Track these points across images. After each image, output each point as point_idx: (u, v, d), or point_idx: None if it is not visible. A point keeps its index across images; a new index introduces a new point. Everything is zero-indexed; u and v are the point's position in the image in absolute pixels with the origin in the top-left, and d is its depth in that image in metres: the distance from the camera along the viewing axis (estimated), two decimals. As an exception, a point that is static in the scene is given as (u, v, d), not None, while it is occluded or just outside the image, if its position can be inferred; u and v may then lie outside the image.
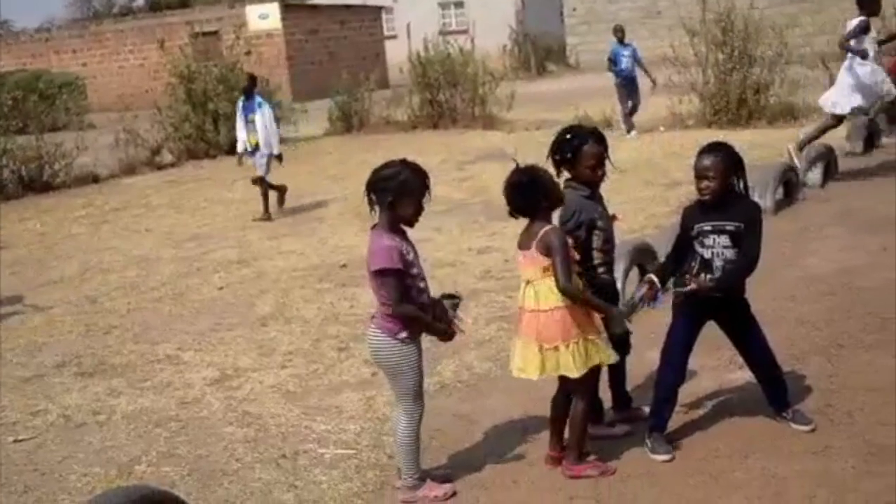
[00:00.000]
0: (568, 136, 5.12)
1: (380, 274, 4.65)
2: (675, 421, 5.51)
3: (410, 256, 4.75)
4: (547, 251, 4.72)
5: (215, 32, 29.03)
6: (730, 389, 5.93)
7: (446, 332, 4.90)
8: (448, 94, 20.55)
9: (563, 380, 4.94)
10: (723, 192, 5.09)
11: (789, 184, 10.77)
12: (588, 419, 5.06)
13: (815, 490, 4.65)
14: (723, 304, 5.15)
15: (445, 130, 19.91)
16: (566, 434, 5.07)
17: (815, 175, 11.54)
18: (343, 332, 7.63)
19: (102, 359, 7.50)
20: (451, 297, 5.00)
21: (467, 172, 14.49)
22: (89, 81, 34.55)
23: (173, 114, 19.05)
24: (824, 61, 16.83)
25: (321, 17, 35.91)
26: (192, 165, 18.27)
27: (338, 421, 5.95)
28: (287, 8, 34.44)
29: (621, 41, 17.53)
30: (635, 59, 17.35)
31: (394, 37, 39.98)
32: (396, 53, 31.29)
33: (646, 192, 11.85)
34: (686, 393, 5.87)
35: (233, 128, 18.67)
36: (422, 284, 4.79)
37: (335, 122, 21.30)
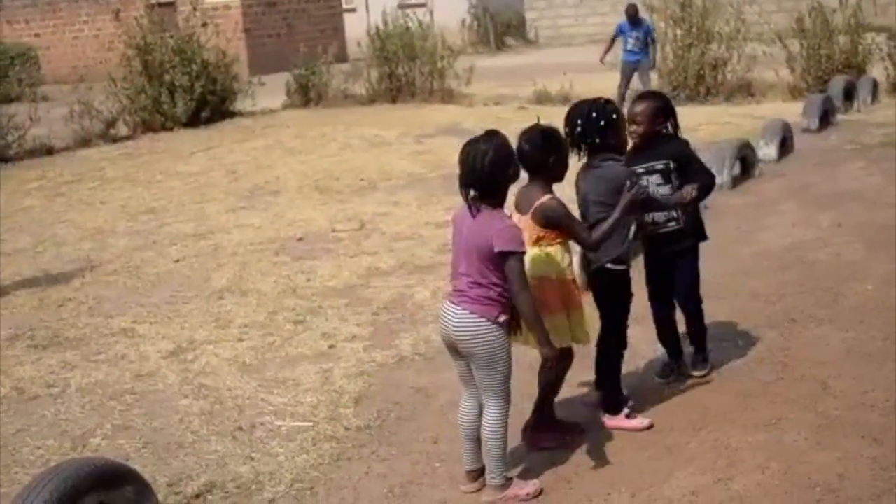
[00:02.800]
0: (594, 113, 5.00)
1: (505, 256, 4.27)
2: (630, 394, 5.57)
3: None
4: (547, 222, 4.69)
5: (171, 3, 28.64)
6: (683, 364, 5.98)
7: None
8: (407, 69, 20.45)
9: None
10: (650, 135, 5.44)
11: (745, 160, 10.86)
12: (557, 390, 5.11)
13: (767, 461, 4.71)
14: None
15: (404, 104, 19.84)
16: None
17: (770, 150, 11.64)
18: (300, 304, 7.61)
19: (56, 332, 7.42)
20: None
21: (426, 146, 14.46)
22: (43, 52, 33.97)
23: (129, 85, 18.76)
24: (781, 38, 16.99)
25: (279, -11, 35.55)
26: (148, 138, 18.06)
27: (294, 393, 5.94)
28: (244, -21, 34.04)
29: (631, 20, 16.44)
30: (646, 41, 16.35)
31: (352, 10, 39.65)
32: (355, 27, 31.02)
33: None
34: (640, 368, 5.95)
35: (190, 100, 18.63)
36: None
37: (293, 95, 21.12)
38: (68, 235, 10.60)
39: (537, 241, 4.75)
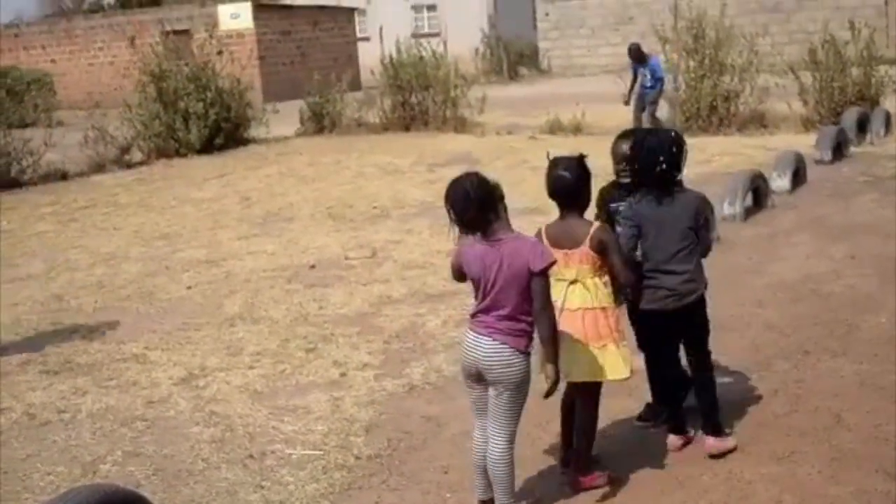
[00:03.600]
0: (674, 148, 5.02)
1: (543, 273, 4.36)
2: (642, 426, 5.55)
3: None
4: (602, 249, 4.70)
5: (186, 31, 28.93)
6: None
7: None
8: (420, 97, 20.56)
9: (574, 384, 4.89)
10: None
11: (758, 191, 10.85)
12: (595, 427, 4.98)
13: (780, 495, 4.68)
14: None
15: (417, 133, 19.91)
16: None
17: (783, 182, 11.63)
18: (311, 332, 7.60)
19: (68, 357, 7.42)
20: None
21: (438, 175, 14.46)
22: (58, 78, 34.27)
23: (143, 112, 18.91)
24: (794, 70, 17.01)
25: (294, 17, 35.78)
26: (161, 164, 18.16)
27: (305, 421, 5.92)
28: (259, 8, 34.29)
29: (638, 61, 16.91)
30: (653, 76, 16.84)
31: (366, 39, 39.94)
32: (369, 55, 31.23)
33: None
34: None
35: (204, 126, 18.73)
36: None
37: (306, 122, 21.24)
38: (81, 261, 10.64)
39: (597, 270, 4.74)
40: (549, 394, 4.49)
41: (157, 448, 5.70)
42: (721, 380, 5.86)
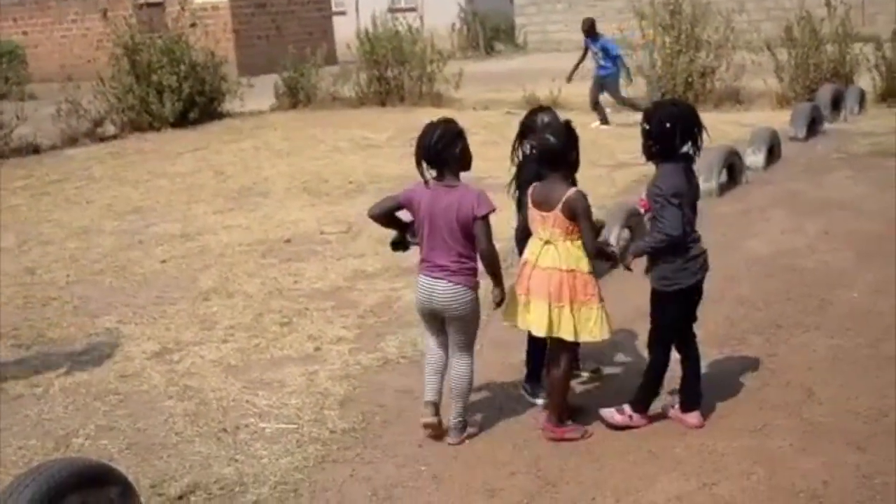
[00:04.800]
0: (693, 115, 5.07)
1: (486, 218, 4.87)
2: (614, 399, 5.56)
3: None
4: (573, 215, 4.83)
5: (160, 3, 28.59)
6: (673, 367, 5.97)
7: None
8: (396, 72, 20.42)
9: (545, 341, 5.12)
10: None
11: (733, 167, 10.88)
12: (569, 382, 5.23)
13: (752, 467, 4.72)
14: None
15: (393, 108, 19.82)
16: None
17: (758, 158, 11.67)
18: (286, 306, 7.58)
19: (41, 331, 7.37)
20: None
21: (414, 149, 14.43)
22: (30, 51, 33.83)
23: (117, 85, 18.69)
24: (770, 47, 17.03)
25: (269, -10, 35.48)
26: (135, 138, 18.00)
27: (279, 395, 5.91)
28: (234, -19, 33.96)
29: (587, 34, 16.35)
30: (605, 51, 16.20)
31: (342, 13, 39.63)
32: (344, 30, 30.98)
33: (591, 172, 11.87)
34: (627, 370, 5.95)
35: (178, 100, 18.57)
36: None
37: (281, 97, 21.08)
38: (54, 234, 10.55)
39: (569, 234, 4.86)
40: (498, 306, 5.13)
41: (130, 422, 5.68)
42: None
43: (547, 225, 4.91)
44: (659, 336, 5.22)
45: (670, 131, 4.98)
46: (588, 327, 4.92)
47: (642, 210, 5.32)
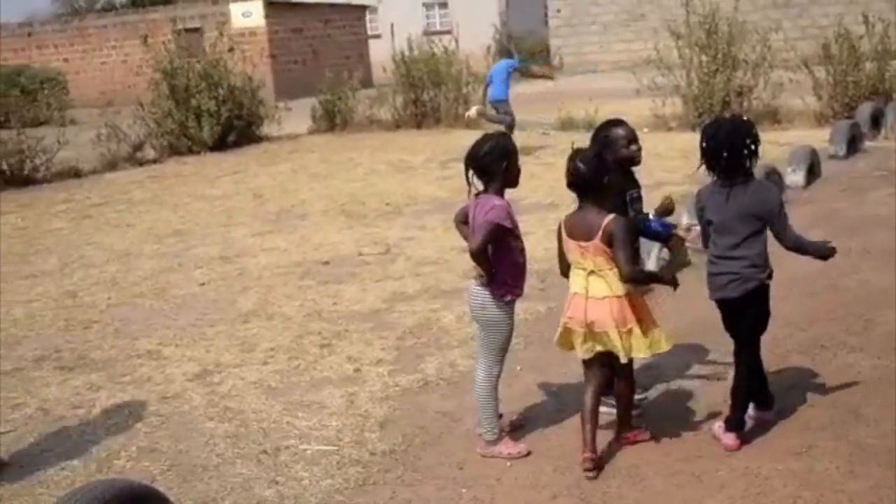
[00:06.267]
0: (744, 137, 5.04)
1: (489, 225, 4.96)
2: (658, 420, 5.52)
3: (516, 220, 5.13)
4: (611, 242, 4.79)
5: (198, 29, 28.97)
6: (715, 389, 5.92)
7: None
8: (432, 94, 20.54)
9: (596, 372, 5.04)
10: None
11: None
12: (632, 394, 5.29)
13: (799, 490, 4.64)
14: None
15: (429, 130, 19.89)
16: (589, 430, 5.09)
17: (797, 177, 11.57)
18: (325, 328, 7.59)
19: (82, 353, 7.43)
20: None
21: (451, 171, 14.43)
22: (71, 77, 34.36)
23: (156, 110, 18.95)
24: (808, 65, 16.93)
25: (305, 15, 35.78)
26: (174, 161, 18.19)
27: (319, 417, 5.91)
28: (270, 6, 34.28)
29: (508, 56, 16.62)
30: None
31: (378, 36, 39.91)
32: (380, 53, 31.22)
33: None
34: (670, 392, 5.90)
35: (216, 124, 18.73)
36: (522, 245, 5.17)
37: (319, 120, 21.24)
38: (95, 257, 10.65)
39: (612, 262, 4.83)
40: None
41: (171, 443, 5.70)
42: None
43: (588, 255, 4.86)
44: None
45: (710, 151, 5.05)
46: (655, 343, 4.98)
47: None
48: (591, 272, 4.87)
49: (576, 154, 4.93)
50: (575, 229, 4.92)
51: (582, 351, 5.00)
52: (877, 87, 16.78)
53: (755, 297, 5.14)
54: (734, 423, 5.16)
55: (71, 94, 31.67)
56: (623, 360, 4.94)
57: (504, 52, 16.56)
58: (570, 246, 4.94)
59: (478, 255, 5.02)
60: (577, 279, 4.95)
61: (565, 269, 5.08)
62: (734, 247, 5.06)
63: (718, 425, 5.24)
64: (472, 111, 16.75)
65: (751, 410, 5.34)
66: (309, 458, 5.39)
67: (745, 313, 5.17)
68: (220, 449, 5.57)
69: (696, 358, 6.39)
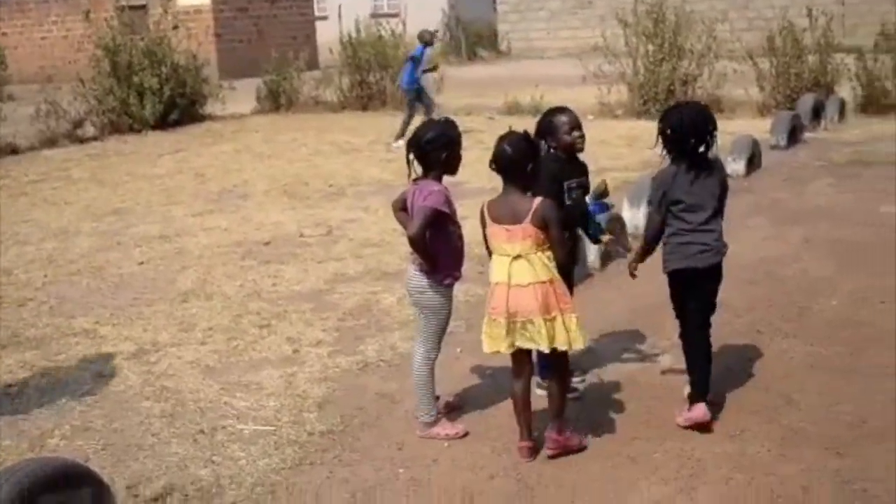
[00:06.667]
0: (706, 123, 5.22)
1: (425, 210, 4.97)
2: (595, 404, 5.57)
3: (454, 206, 5.14)
4: (545, 224, 4.70)
5: (142, 6, 28.50)
6: (651, 373, 5.98)
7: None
8: (378, 77, 20.46)
9: (525, 362, 4.93)
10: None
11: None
12: (565, 389, 5.11)
13: (731, 473, 4.70)
14: None
15: (374, 112, 19.82)
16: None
17: (739, 166, 11.70)
18: (265, 308, 7.54)
19: (16, 331, 7.30)
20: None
21: (395, 154, 14.40)
22: (9, 52, 33.58)
23: (97, 86, 18.63)
24: (752, 56, 17.11)
25: (251, -6, 35.40)
26: (115, 139, 17.92)
27: (257, 397, 5.87)
28: (217, -16, 33.86)
29: (426, 45, 16.23)
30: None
31: (324, 17, 39.58)
32: (327, 34, 30.99)
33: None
34: (606, 375, 5.94)
35: (159, 102, 18.49)
36: (460, 230, 5.19)
37: (263, 100, 21.07)
38: (31, 235, 10.47)
39: (540, 245, 4.74)
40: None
41: (106, 422, 5.62)
42: (674, 360, 5.93)
43: (516, 239, 4.72)
44: (678, 319, 5.46)
45: (676, 137, 5.19)
46: (575, 336, 4.82)
47: None
48: (516, 257, 4.72)
49: (504, 136, 4.84)
50: (500, 213, 4.78)
51: (505, 346, 4.82)
52: (818, 79, 17.02)
53: (717, 272, 5.34)
54: (699, 393, 5.25)
55: (9, 69, 31.08)
56: (545, 349, 4.77)
57: (423, 39, 16.16)
58: (495, 230, 4.79)
59: (416, 241, 5.02)
60: (499, 267, 4.79)
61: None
62: (706, 221, 5.24)
63: (681, 413, 5.26)
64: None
65: (683, 412, 5.33)
66: (246, 438, 5.35)
67: (705, 286, 5.34)
68: (155, 428, 5.51)
69: (633, 343, 6.45)
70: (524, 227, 4.70)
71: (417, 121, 15.18)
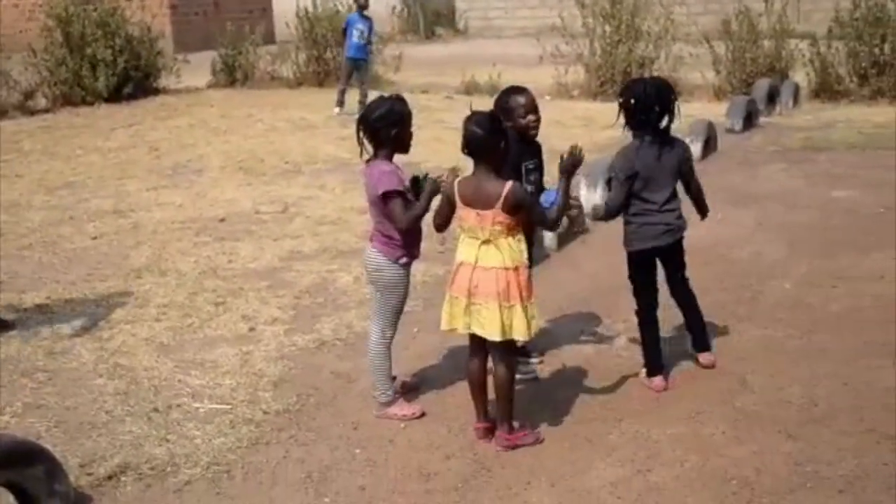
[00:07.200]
0: (669, 95, 5.38)
1: (387, 196, 4.96)
2: (552, 385, 5.59)
3: (406, 182, 5.12)
4: (516, 209, 4.65)
5: (96, -25, 28.06)
6: (608, 354, 6.02)
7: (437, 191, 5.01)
8: (335, 52, 20.29)
9: (481, 344, 4.87)
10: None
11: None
12: (514, 384, 4.97)
13: (685, 454, 4.75)
14: None
15: (331, 88, 19.59)
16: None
17: (695, 148, 11.75)
18: (220, 286, 7.48)
19: (-34, 306, 7.19)
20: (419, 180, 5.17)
21: (352, 131, 14.28)
22: (-41, 20, 33.05)
23: (49, 57, 18.31)
24: (708, 40, 17.21)
25: (207, -34, 34.97)
26: (67, 112, 17.64)
27: (213, 375, 5.83)
28: (172, -45, 33.41)
29: (361, 11, 16.21)
30: (369, 38, 16.26)
31: (282, -8, 39.29)
32: (284, 8, 30.71)
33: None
34: (563, 357, 5.97)
35: (112, 74, 18.23)
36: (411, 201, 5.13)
37: (218, 74, 20.84)
38: (-19, 208, 10.30)
39: (510, 231, 4.69)
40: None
41: (58, 400, 5.56)
42: (627, 341, 5.98)
43: (486, 224, 4.66)
44: (634, 296, 5.64)
45: (644, 108, 5.30)
46: (535, 324, 4.81)
47: None
48: (485, 241, 4.69)
49: (471, 117, 4.74)
50: (472, 197, 4.70)
51: (461, 325, 4.79)
52: (774, 64, 17.14)
53: (680, 246, 5.59)
54: (655, 367, 5.55)
55: (-42, 37, 30.52)
56: (497, 338, 4.70)
57: (358, 3, 16.15)
58: (465, 213, 4.73)
59: (410, 224, 5.03)
60: (467, 248, 4.75)
61: (441, 224, 4.94)
62: (668, 200, 5.38)
63: (642, 374, 5.58)
64: None
65: (643, 378, 5.49)
66: (201, 416, 5.32)
67: (671, 260, 5.60)
68: (109, 406, 5.46)
69: (590, 324, 6.48)
70: (494, 212, 4.64)
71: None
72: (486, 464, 4.74)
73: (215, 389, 5.65)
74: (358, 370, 5.80)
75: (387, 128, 5.03)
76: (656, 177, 5.35)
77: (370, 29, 16.30)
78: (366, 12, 16.20)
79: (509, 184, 4.68)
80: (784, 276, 7.37)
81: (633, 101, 5.29)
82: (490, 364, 4.94)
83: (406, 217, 4.98)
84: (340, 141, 13.62)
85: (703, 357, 5.76)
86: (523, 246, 4.78)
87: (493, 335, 4.72)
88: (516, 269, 4.72)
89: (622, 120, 5.42)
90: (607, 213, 5.51)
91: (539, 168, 5.51)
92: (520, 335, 4.78)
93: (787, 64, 17.36)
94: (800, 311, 6.66)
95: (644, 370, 5.58)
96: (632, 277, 5.60)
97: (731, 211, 9.33)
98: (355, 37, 16.03)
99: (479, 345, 4.90)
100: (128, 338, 6.48)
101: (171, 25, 29.41)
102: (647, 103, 5.28)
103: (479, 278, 4.70)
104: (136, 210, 10.01)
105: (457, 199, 4.77)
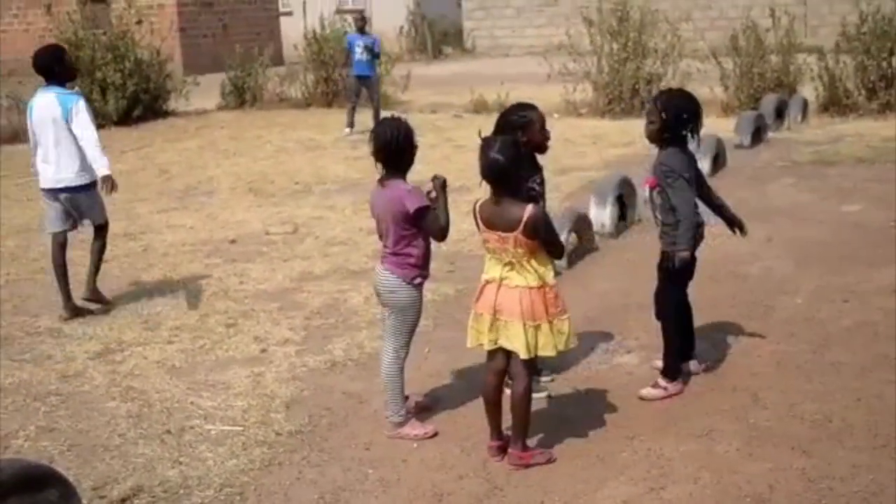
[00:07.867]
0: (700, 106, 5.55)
1: (420, 212, 5.00)
2: (563, 404, 5.59)
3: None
4: (535, 233, 4.67)
5: (105, 0, 28.24)
6: (619, 373, 6.01)
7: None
8: (343, 73, 20.37)
9: (500, 361, 4.89)
10: None
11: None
12: (530, 402, 4.97)
13: (698, 472, 4.74)
14: None
15: (340, 109, 19.68)
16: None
17: (704, 165, 11.75)
18: (231, 307, 7.50)
19: (-22, 330, 7.22)
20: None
21: (361, 151, 14.32)
22: (-31, 45, 33.27)
23: (59, 82, 18.42)
24: (715, 55, 17.22)
25: (215, -11, 35.15)
26: (77, 135, 17.71)
27: (224, 397, 5.84)
28: (180, -22, 33.59)
29: (360, 30, 16.52)
30: (373, 52, 16.30)
31: (289, 13, 39.40)
32: (292, 30, 30.83)
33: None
34: (575, 376, 5.96)
35: (122, 98, 18.32)
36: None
37: (227, 96, 20.93)
38: (-7, 232, 10.34)
39: (533, 253, 4.72)
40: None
41: (71, 423, 5.58)
42: (641, 360, 5.97)
43: (508, 247, 4.70)
44: (668, 299, 5.74)
45: (686, 121, 5.44)
46: (563, 340, 4.83)
47: (648, 188, 5.70)
48: (508, 263, 4.73)
49: (487, 144, 4.73)
50: (494, 220, 4.74)
51: (487, 341, 4.84)
52: (781, 79, 17.13)
53: None
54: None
55: (-31, 63, 30.71)
56: (523, 355, 4.74)
57: (356, 24, 16.43)
58: (488, 236, 4.78)
59: (445, 230, 5.11)
60: (492, 267, 4.81)
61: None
62: (696, 205, 5.62)
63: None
64: None
65: (661, 381, 5.61)
66: (214, 438, 5.32)
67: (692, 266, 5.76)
68: (121, 429, 5.47)
69: (601, 342, 6.47)
70: (516, 236, 4.67)
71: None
72: (499, 483, 4.73)
73: (227, 411, 5.65)
74: (370, 390, 5.80)
75: (411, 148, 5.13)
76: (694, 182, 5.55)
77: (374, 43, 16.37)
78: (367, 28, 16.31)
79: (529, 207, 4.70)
80: (795, 292, 7.36)
81: (671, 114, 5.41)
82: (507, 380, 4.95)
83: (442, 229, 5.06)
84: (350, 161, 13.67)
85: (658, 363, 5.82)
86: (549, 265, 4.80)
87: (520, 351, 4.76)
88: (541, 287, 4.75)
89: (652, 132, 5.51)
90: (685, 216, 5.49)
91: (542, 184, 5.49)
92: (548, 352, 4.82)
93: (794, 78, 17.34)
94: (811, 326, 6.64)
95: (661, 378, 5.64)
96: (678, 280, 5.72)
97: (740, 227, 9.32)
98: (358, 54, 16.17)
99: (497, 361, 4.92)
100: (140, 360, 6.50)
101: (180, 48, 29.54)
102: (685, 117, 5.43)
103: (504, 297, 4.76)
104: (147, 232, 10.05)
105: (479, 222, 4.82)
